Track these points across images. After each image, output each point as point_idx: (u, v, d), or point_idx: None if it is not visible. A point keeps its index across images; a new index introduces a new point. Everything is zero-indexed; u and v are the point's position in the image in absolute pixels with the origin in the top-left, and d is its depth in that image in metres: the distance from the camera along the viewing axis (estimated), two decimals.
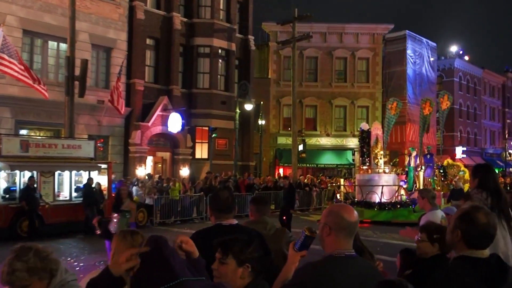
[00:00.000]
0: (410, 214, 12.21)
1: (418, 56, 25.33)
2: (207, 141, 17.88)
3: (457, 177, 16.40)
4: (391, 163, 16.47)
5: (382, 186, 12.87)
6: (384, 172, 13.93)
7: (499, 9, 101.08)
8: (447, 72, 31.80)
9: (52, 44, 14.36)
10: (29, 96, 12.56)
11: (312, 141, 23.20)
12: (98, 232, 5.28)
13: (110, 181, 10.94)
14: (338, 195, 14.75)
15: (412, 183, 15.06)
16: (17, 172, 9.59)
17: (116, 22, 15.82)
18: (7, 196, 9.49)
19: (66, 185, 10.48)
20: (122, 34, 15.94)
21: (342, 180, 16.63)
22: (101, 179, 10.84)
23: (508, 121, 36.40)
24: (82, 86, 11.21)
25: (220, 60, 18.76)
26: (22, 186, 9.48)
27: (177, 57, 17.59)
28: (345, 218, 1.56)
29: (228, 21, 18.94)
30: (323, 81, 24.06)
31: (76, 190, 10.56)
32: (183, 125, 16.60)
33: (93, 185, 10.33)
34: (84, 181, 10.47)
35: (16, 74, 10.68)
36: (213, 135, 17.06)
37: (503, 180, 16.44)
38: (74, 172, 10.52)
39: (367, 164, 14.10)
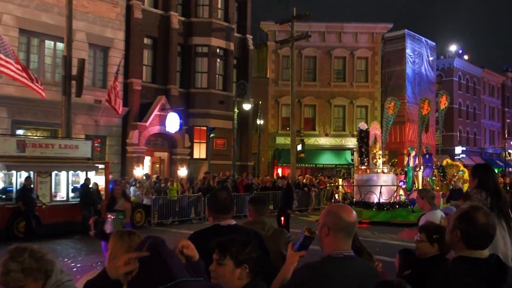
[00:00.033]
0: (409, 214, 12.22)
1: (418, 55, 25.38)
2: (205, 141, 17.86)
3: (456, 177, 16.44)
4: (390, 164, 16.49)
5: (381, 186, 12.88)
6: (383, 172, 13.94)
7: (498, 9, 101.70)
8: (447, 72, 31.88)
9: (48, 43, 14.30)
10: (26, 95, 12.51)
11: (311, 141, 23.21)
12: (92, 232, 5.26)
13: (107, 182, 10.89)
14: (336, 195, 14.74)
15: (411, 183, 15.08)
16: (14, 172, 9.55)
17: (113, 21, 15.76)
18: (4, 196, 9.44)
19: (63, 185, 10.44)
20: (119, 33, 15.89)
21: (340, 180, 16.63)
22: (98, 180, 10.80)
23: (508, 120, 36.53)
24: (79, 85, 11.16)
25: (218, 60, 18.73)
26: (18, 187, 9.44)
27: (175, 56, 17.55)
28: (343, 219, 1.56)
29: (226, 20, 18.91)
30: (322, 80, 24.07)
31: (73, 190, 10.52)
32: (181, 125, 16.57)
33: (91, 186, 10.30)
34: (81, 181, 10.43)
35: (12, 73, 10.62)
36: (211, 135, 17.04)
37: (502, 180, 16.49)
38: (71, 173, 10.47)
39: (366, 164, 14.10)
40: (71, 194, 10.44)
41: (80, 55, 12.95)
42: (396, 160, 19.92)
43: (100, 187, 10.69)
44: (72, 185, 10.54)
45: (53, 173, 10.16)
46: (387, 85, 24.40)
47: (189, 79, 18.23)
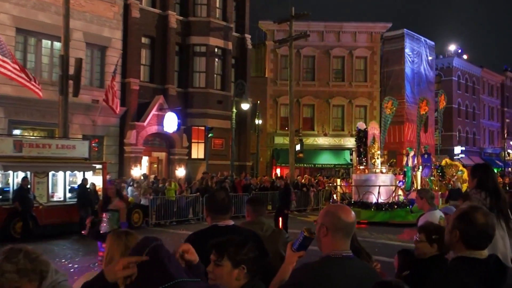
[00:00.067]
0: (407, 214, 12.22)
1: (417, 55, 25.43)
2: (203, 141, 17.83)
3: (455, 177, 16.47)
4: (388, 164, 16.49)
5: (379, 186, 12.87)
6: (381, 172, 13.94)
7: (498, 8, 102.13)
8: (446, 71, 31.94)
9: (45, 42, 14.24)
10: (23, 95, 12.45)
11: (310, 141, 23.21)
12: (84, 232, 5.25)
13: (105, 182, 10.85)
14: (334, 196, 14.73)
15: (410, 183, 15.10)
16: (11, 172, 9.50)
17: (110, 20, 15.71)
18: (0, 197, 9.40)
19: (60, 185, 10.39)
20: (117, 32, 15.84)
21: (338, 180, 16.64)
22: (95, 180, 10.77)
23: (507, 120, 36.63)
24: (76, 85, 11.12)
25: (217, 59, 18.71)
26: (15, 187, 9.40)
27: (172, 56, 17.51)
28: (342, 219, 1.55)
29: (225, 20, 18.89)
30: (321, 80, 24.08)
31: (71, 190, 10.48)
32: (179, 125, 16.53)
33: (88, 186, 10.26)
34: (79, 181, 10.39)
35: (9, 73, 10.57)
36: (210, 134, 17.02)
37: (502, 180, 16.56)
38: (68, 173, 10.43)
39: (364, 164, 14.11)
40: (68, 195, 10.40)
41: (77, 54, 12.90)
42: (394, 160, 19.93)
43: (97, 188, 10.65)
44: (69, 186, 10.50)
45: (50, 173, 10.11)
46: (386, 84, 24.43)
47: (187, 79, 18.19)
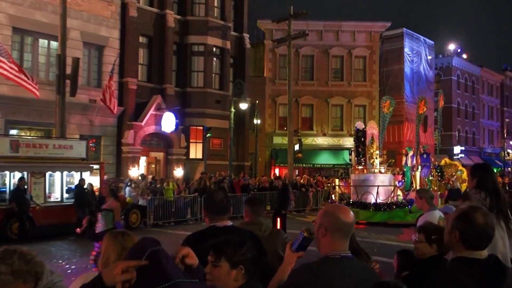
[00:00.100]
0: (406, 215, 12.21)
1: (416, 54, 25.46)
2: (201, 141, 17.81)
3: (455, 177, 16.50)
4: (387, 164, 16.50)
5: (378, 186, 12.86)
6: (380, 172, 13.93)
7: (497, 8, 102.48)
8: (445, 71, 31.99)
9: (42, 42, 14.18)
10: (19, 95, 12.38)
11: (309, 140, 23.21)
12: (78, 230, 5.22)
13: (102, 182, 10.81)
14: (333, 196, 14.73)
15: (409, 183, 15.11)
16: (7, 173, 9.46)
17: (108, 19, 15.65)
18: None
19: (57, 186, 10.35)
20: (114, 32, 15.78)
21: (337, 180, 16.65)
22: (93, 180, 10.73)
23: (507, 120, 36.71)
24: (73, 85, 11.07)
25: (215, 59, 18.68)
26: (12, 187, 9.35)
27: (170, 55, 17.47)
28: (341, 219, 1.55)
29: (223, 19, 18.86)
30: (320, 79, 24.08)
31: (68, 191, 10.43)
32: (177, 125, 16.50)
33: (85, 186, 10.23)
34: (76, 182, 10.35)
35: (6, 72, 10.51)
36: (208, 134, 16.99)
37: (501, 179, 16.61)
38: (65, 173, 10.39)
39: (363, 164, 14.11)
40: (65, 195, 10.35)
41: (75, 54, 12.85)
42: (393, 160, 19.95)
43: (95, 188, 10.61)
44: (66, 186, 10.45)
45: (47, 174, 10.07)
46: (385, 84, 24.45)
47: (185, 78, 18.15)
